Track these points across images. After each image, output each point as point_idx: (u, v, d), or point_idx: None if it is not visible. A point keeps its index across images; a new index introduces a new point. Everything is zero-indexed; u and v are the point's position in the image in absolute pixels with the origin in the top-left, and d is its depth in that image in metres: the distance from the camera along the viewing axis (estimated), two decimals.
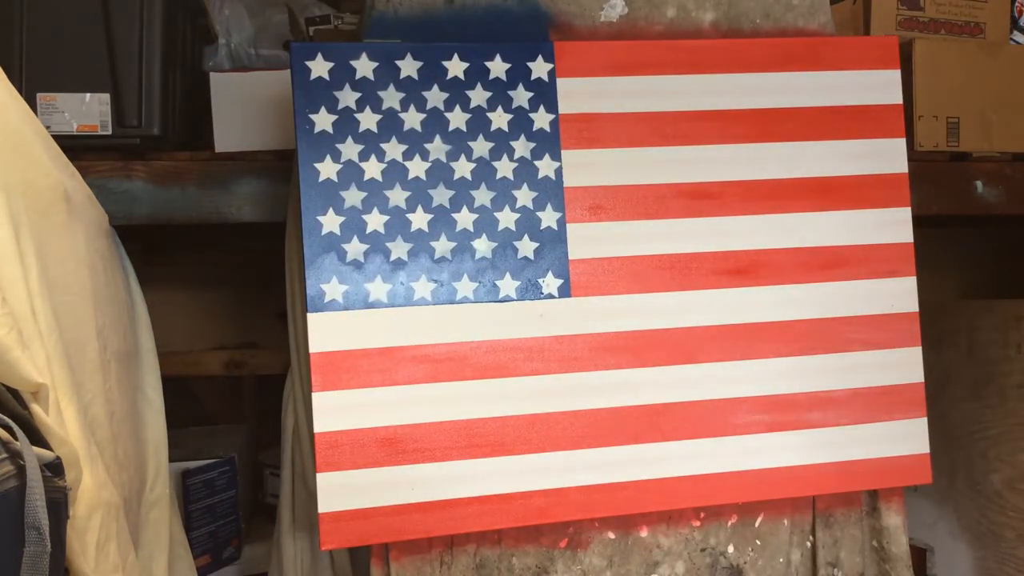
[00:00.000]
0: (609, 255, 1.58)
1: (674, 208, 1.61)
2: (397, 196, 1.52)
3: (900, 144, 1.71)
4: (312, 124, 1.50)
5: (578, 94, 1.60)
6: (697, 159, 1.63)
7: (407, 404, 1.49)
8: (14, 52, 1.62)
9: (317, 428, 1.47)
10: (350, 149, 1.51)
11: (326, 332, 1.47)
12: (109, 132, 1.67)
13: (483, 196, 1.55)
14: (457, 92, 1.56)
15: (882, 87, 1.71)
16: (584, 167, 1.59)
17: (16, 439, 0.85)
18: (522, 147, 1.57)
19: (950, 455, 2.21)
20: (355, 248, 1.50)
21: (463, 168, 1.55)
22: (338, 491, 1.46)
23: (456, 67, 1.56)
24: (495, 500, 1.51)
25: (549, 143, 1.58)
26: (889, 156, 1.70)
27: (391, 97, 1.53)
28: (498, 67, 1.58)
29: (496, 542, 1.58)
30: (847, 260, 1.66)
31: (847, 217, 1.67)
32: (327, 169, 1.50)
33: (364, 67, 1.53)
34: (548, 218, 1.57)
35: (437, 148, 1.54)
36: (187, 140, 1.84)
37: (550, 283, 1.56)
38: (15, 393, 0.92)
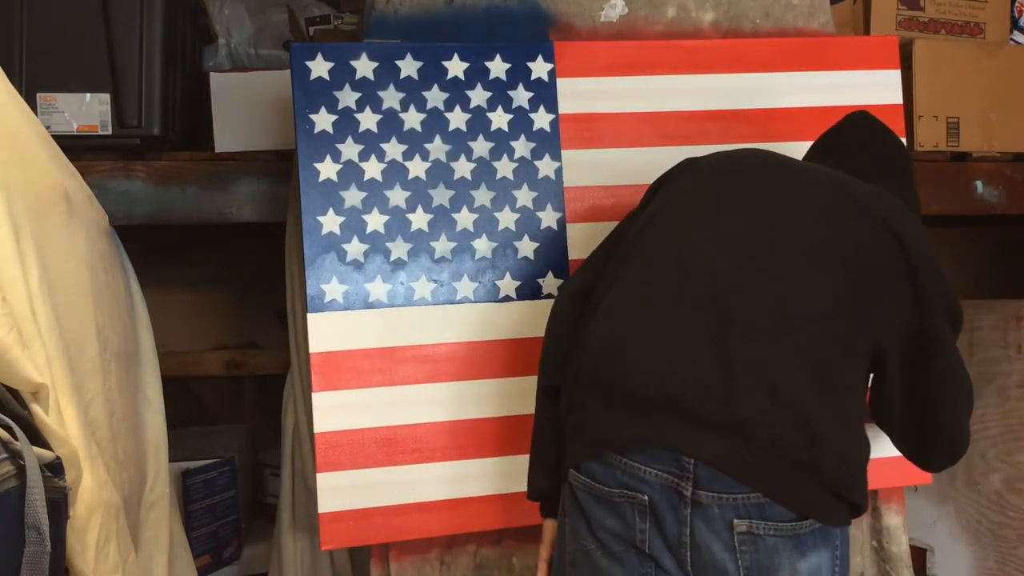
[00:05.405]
0: None
1: None
2: (397, 196, 1.52)
3: None
4: (312, 124, 1.50)
5: (578, 94, 1.60)
6: None
7: (407, 404, 1.49)
8: (14, 52, 1.62)
9: (317, 428, 1.47)
10: (350, 149, 1.51)
11: (326, 332, 1.47)
12: (109, 132, 1.67)
13: (483, 196, 1.55)
14: (457, 92, 1.56)
15: (882, 87, 1.71)
16: (584, 167, 1.59)
17: (16, 439, 0.85)
18: (522, 147, 1.57)
19: None
20: (355, 248, 1.50)
21: (463, 168, 1.55)
22: (338, 491, 1.46)
23: (456, 67, 1.56)
24: (495, 500, 1.51)
25: (549, 143, 1.58)
26: None
27: (391, 97, 1.53)
28: (498, 67, 1.58)
29: (496, 542, 1.58)
30: None
31: None
32: (327, 169, 1.50)
33: (364, 67, 1.52)
34: (548, 218, 1.57)
35: (437, 148, 1.54)
36: (187, 140, 1.84)
37: (550, 283, 1.56)
38: (15, 393, 0.92)
